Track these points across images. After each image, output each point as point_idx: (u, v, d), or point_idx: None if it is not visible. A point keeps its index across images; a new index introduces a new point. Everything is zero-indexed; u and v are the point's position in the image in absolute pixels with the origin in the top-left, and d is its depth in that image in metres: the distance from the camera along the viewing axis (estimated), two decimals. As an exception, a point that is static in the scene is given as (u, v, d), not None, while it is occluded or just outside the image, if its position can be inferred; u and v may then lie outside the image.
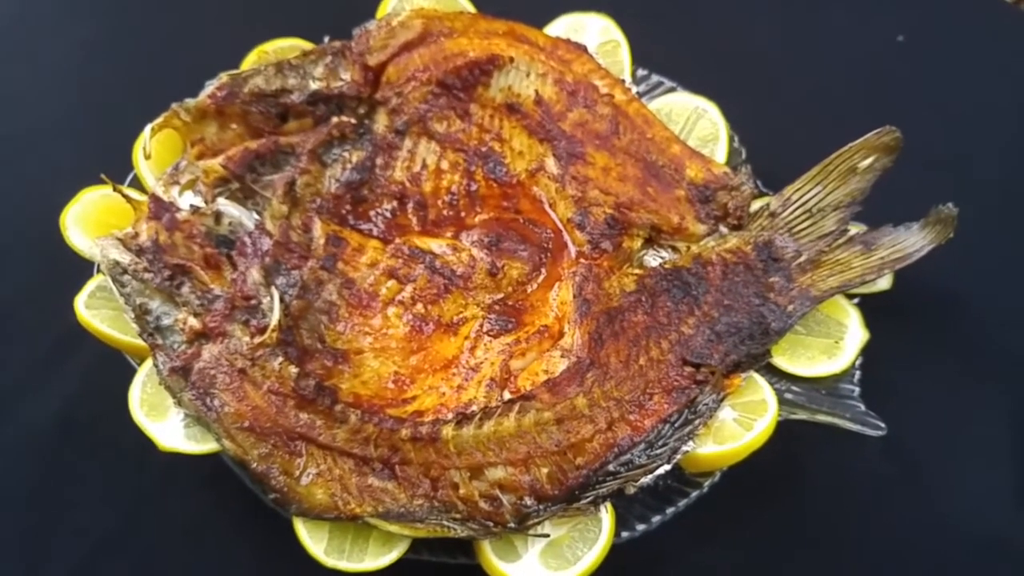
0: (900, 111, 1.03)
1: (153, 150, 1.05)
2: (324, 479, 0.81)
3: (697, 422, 0.88)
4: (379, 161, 1.01)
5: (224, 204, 0.95)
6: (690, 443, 0.85)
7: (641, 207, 1.01)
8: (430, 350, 0.90)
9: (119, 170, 0.98)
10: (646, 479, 0.84)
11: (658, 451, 0.86)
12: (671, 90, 1.14)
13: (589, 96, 1.06)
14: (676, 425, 0.88)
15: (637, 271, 0.97)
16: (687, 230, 1.02)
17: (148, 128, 0.95)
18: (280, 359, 0.83)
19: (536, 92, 1.01)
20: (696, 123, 1.15)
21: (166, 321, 0.89)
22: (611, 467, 0.85)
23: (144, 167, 1.08)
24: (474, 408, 0.83)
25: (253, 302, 0.86)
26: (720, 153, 1.06)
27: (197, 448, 0.85)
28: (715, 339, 0.93)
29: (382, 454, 0.82)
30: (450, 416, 0.83)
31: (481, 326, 0.91)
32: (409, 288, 0.92)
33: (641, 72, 1.12)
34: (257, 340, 0.83)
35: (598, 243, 1.00)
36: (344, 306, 0.91)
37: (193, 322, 0.87)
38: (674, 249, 1.04)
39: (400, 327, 0.90)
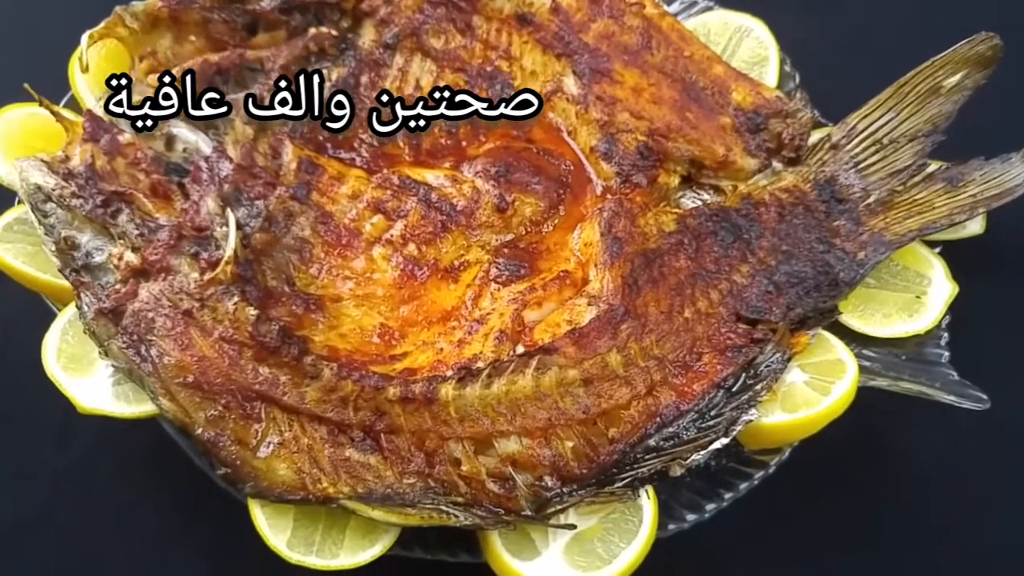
0: (989, 20, 0.89)
1: (93, 63, 0.95)
2: (288, 450, 0.73)
3: (758, 387, 0.80)
4: (364, 80, 0.96)
5: (178, 126, 0.88)
6: (752, 412, 0.77)
7: (679, 135, 0.95)
8: (424, 299, 0.84)
9: (53, 89, 0.92)
10: (696, 457, 0.75)
11: (711, 422, 0.78)
12: (706, 10, 1.08)
13: (615, 5, 0.99)
14: (732, 391, 0.80)
15: (676, 210, 0.91)
16: (734, 164, 0.96)
17: (85, 36, 0.91)
18: (235, 299, 0.75)
19: (551, 1, 0.93)
20: (739, 45, 1.09)
21: (98, 258, 0.83)
22: (652, 441, 0.77)
23: (82, 84, 0.97)
24: (480, 364, 0.76)
25: (206, 234, 0.79)
26: (770, 77, 1.01)
27: (127, 410, 0.76)
28: (774, 290, 0.87)
29: (363, 419, 0.74)
30: (449, 374, 0.75)
31: (487, 272, 0.85)
32: (399, 225, 0.86)
33: None
34: (208, 276, 0.75)
35: (629, 176, 0.94)
36: (319, 244, 0.84)
37: (130, 257, 0.78)
38: (717, 190, 0.98)
39: (388, 271, 0.84)
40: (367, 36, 0.95)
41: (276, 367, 0.73)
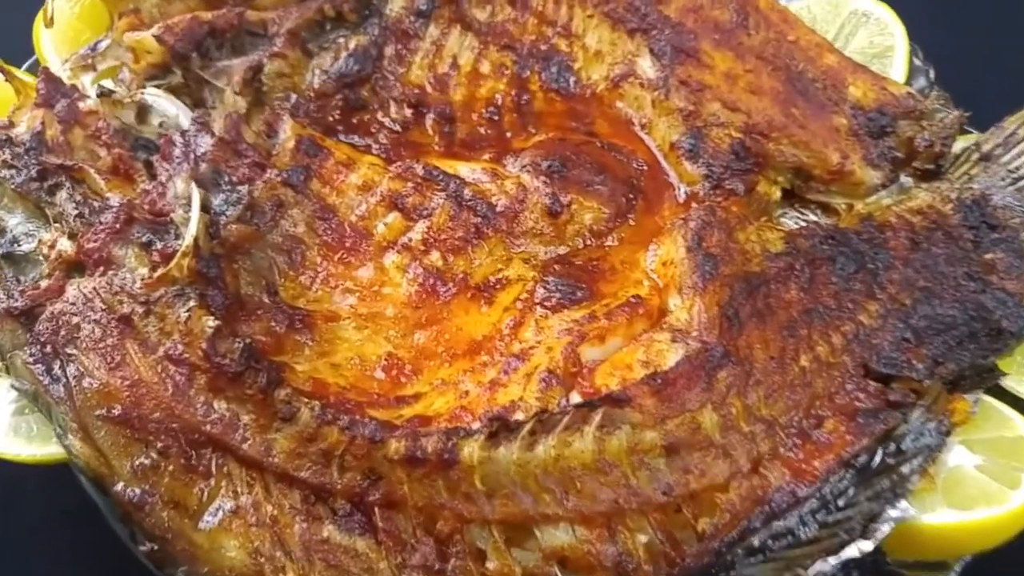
0: None
1: (64, 21, 0.89)
2: (244, 522, 0.59)
3: (905, 469, 0.65)
4: (388, 52, 0.88)
5: (154, 94, 0.82)
6: (900, 505, 0.63)
7: (783, 135, 0.84)
8: (447, 324, 0.72)
9: (14, 53, 0.88)
10: (822, 568, 0.61)
11: (839, 516, 0.63)
12: None
13: None
14: (867, 472, 0.66)
15: (783, 228, 0.81)
16: (851, 176, 0.85)
17: (53, -15, 0.84)
18: (191, 304, 0.64)
19: None
20: (854, 33, 1.00)
21: (25, 246, 0.72)
22: (758, 539, 0.62)
23: (47, 43, 0.91)
24: (519, 416, 0.63)
25: (164, 220, 0.70)
26: (896, 71, 0.95)
27: (25, 451, 0.65)
28: (912, 338, 0.74)
29: (352, 484, 0.60)
30: (476, 427, 0.62)
31: (532, 293, 0.74)
32: (420, 227, 0.76)
33: None
34: (159, 272, 0.64)
35: (721, 180, 0.83)
36: (315, 246, 0.74)
37: (64, 245, 0.69)
38: (826, 209, 0.87)
39: (402, 285, 0.74)
40: (397, 2, 0.90)
41: (237, 402, 0.61)
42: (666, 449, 0.63)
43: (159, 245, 0.66)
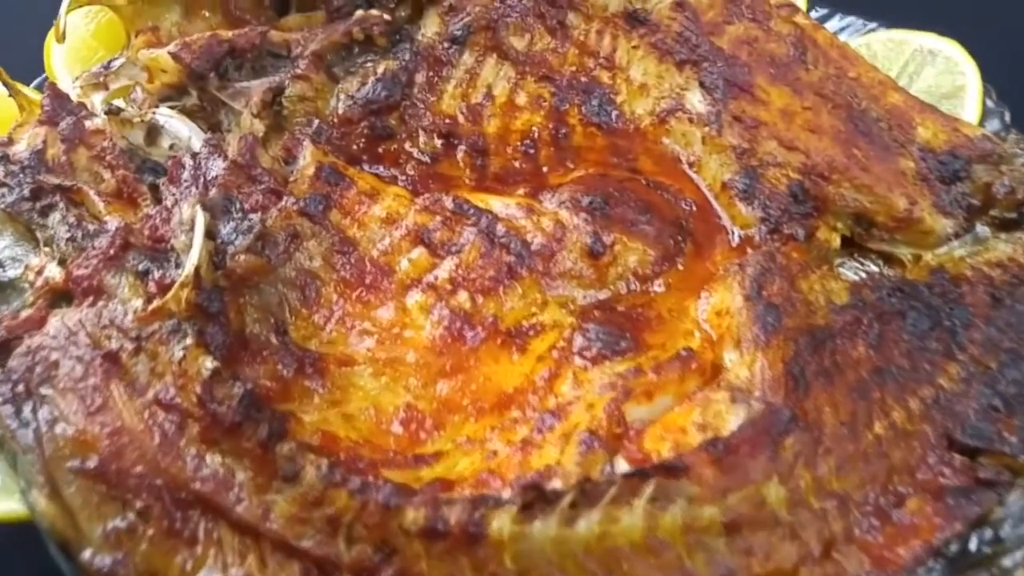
0: None
1: (78, 37, 0.86)
2: None
3: (1008, 563, 0.58)
4: (419, 79, 0.85)
5: (166, 114, 0.79)
6: None
7: (845, 177, 0.80)
8: (474, 373, 0.66)
9: (24, 70, 0.86)
10: None
11: None
12: (869, 31, 1.02)
13: (758, 6, 0.90)
14: (960, 562, 0.59)
15: (846, 279, 0.77)
16: (919, 224, 0.80)
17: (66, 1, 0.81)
18: (187, 342, 0.58)
19: None
20: (919, 72, 0.97)
21: (11, 271, 0.66)
22: None
23: (58, 59, 0.88)
24: (556, 484, 0.57)
25: (164, 246, 0.64)
26: (968, 112, 0.91)
27: None
28: (1002, 406, 0.68)
29: (360, 557, 0.53)
30: (507, 495, 0.57)
31: (569, 341, 0.68)
32: (448, 264, 0.71)
33: (819, 12, 1.04)
34: (154, 304, 0.58)
35: (779, 225, 0.79)
36: (332, 282, 0.69)
37: (53, 271, 0.64)
38: (889, 259, 0.82)
39: (425, 328, 0.68)
40: (430, 27, 0.87)
41: (233, 456, 0.55)
42: (726, 527, 0.57)
43: (157, 274, 0.61)
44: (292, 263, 0.68)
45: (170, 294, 0.58)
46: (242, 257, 0.65)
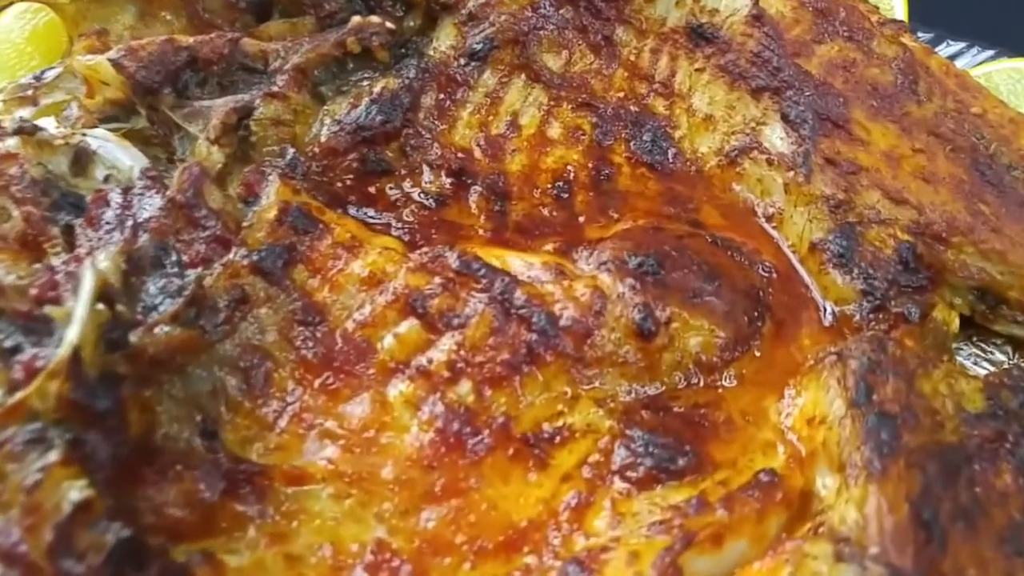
0: None
1: (6, 40, 0.80)
2: None
3: None
4: (427, 102, 0.77)
5: (100, 137, 0.69)
6: None
7: (968, 240, 0.73)
8: (475, 496, 0.57)
9: None
10: None
11: None
12: (988, 60, 0.96)
13: (856, 23, 0.81)
14: None
15: (974, 375, 0.68)
16: None
17: (-9, -3, 0.77)
18: (51, 458, 0.46)
19: (751, 3, 0.80)
20: None
21: None
22: None
23: None
24: None
25: (51, 311, 0.52)
26: None
27: None
28: None
29: None
30: None
31: (607, 454, 0.60)
32: (447, 343, 0.62)
33: (924, 35, 0.95)
34: (11, 402, 0.47)
35: (885, 301, 0.71)
36: (290, 363, 0.60)
37: None
38: (1019, 346, 0.75)
39: (411, 430, 0.59)
40: (444, 39, 0.79)
41: None
42: None
43: (26, 355, 0.49)
44: (236, 337, 0.59)
45: (32, 386, 0.47)
46: (164, 329, 0.54)
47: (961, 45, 0.95)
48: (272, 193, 0.64)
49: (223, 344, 0.57)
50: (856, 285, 0.71)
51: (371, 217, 0.72)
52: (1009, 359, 0.75)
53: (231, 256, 0.60)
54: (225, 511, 0.51)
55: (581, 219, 0.75)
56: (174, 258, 0.59)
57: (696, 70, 0.79)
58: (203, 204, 0.61)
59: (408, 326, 0.61)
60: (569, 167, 0.77)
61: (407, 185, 0.74)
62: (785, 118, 0.76)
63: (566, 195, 0.75)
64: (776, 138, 0.76)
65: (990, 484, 0.58)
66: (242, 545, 0.51)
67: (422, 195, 0.73)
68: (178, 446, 0.51)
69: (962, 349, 0.75)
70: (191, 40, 0.73)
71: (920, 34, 0.98)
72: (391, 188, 0.73)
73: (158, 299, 0.56)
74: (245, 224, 0.62)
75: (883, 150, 0.75)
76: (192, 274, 0.58)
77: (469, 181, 0.74)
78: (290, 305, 0.61)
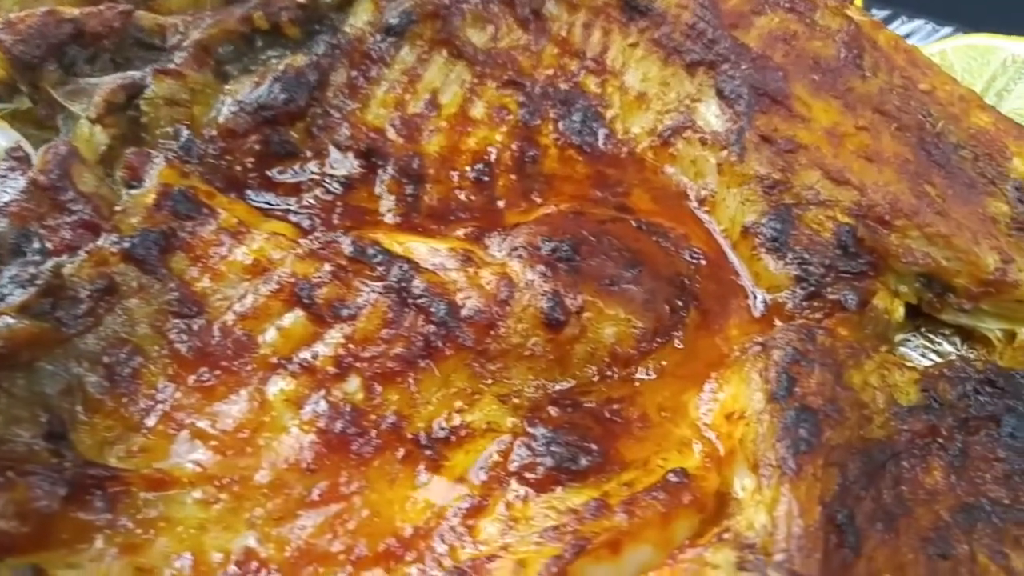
0: None
1: None
2: None
3: None
4: (337, 79, 0.75)
5: None
6: None
7: (913, 223, 0.72)
8: (358, 502, 0.55)
9: None
10: None
11: None
12: (943, 37, 0.94)
13: None
14: None
15: (912, 365, 0.68)
16: (1014, 289, 0.71)
17: None
18: None
19: None
20: (1011, 87, 0.88)
21: None
22: None
23: None
24: None
25: None
26: None
27: None
28: None
29: None
30: None
31: (506, 454, 0.58)
32: (334, 336, 0.60)
33: (879, 12, 0.95)
34: None
35: (821, 288, 0.70)
36: (160, 360, 0.58)
37: None
38: (968, 336, 0.75)
39: (290, 431, 0.57)
40: (361, 14, 0.77)
41: None
42: None
43: None
44: (100, 330, 0.55)
45: None
46: (8, 321, 0.51)
47: (917, 22, 0.95)
48: (155, 176, 0.62)
49: (84, 338, 0.54)
50: (790, 271, 0.69)
51: (270, 203, 0.69)
52: (957, 349, 0.74)
53: (99, 243, 0.57)
54: (67, 521, 0.49)
55: (501, 204, 0.73)
56: (36, 245, 0.56)
57: (630, 45, 0.77)
58: (70, 186, 0.59)
59: (293, 318, 0.59)
60: (492, 149, 0.75)
61: (312, 168, 0.71)
62: (720, 94, 0.74)
63: (487, 178, 0.73)
64: (711, 115, 0.74)
65: (918, 482, 0.56)
66: (84, 558, 0.49)
67: (328, 179, 0.71)
68: (15, 449, 0.49)
69: (909, 340, 0.75)
70: (76, 12, 0.71)
71: (875, 11, 0.97)
72: (295, 171, 0.71)
73: (8, 289, 0.53)
74: (118, 208, 0.59)
75: (825, 127, 0.73)
76: (51, 263, 0.55)
77: (380, 163, 0.72)
78: (165, 295, 0.58)
